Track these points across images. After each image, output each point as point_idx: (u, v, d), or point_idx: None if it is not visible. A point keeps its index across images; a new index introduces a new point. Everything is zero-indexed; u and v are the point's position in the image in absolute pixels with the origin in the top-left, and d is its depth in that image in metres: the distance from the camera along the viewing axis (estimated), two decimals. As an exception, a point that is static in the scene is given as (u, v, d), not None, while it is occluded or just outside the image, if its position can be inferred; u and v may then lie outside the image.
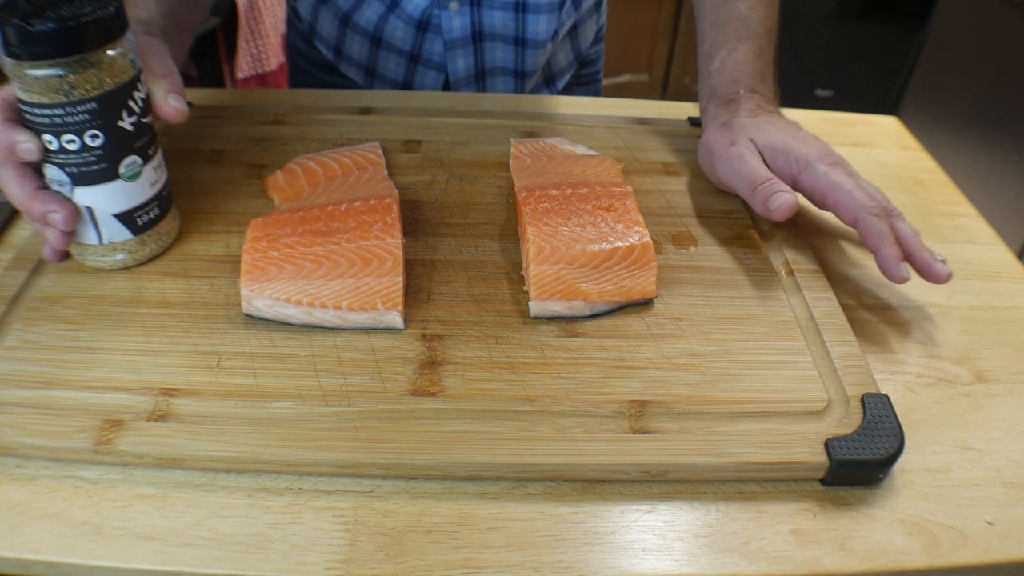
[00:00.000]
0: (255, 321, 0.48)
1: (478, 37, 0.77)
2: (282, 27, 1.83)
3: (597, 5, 0.85)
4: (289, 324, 0.48)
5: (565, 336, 0.48)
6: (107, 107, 0.46)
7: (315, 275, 0.48)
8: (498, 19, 0.77)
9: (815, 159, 0.54)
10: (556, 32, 0.80)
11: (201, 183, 0.60)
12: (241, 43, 1.69)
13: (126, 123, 0.47)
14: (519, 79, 0.82)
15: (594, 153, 0.63)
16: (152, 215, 0.51)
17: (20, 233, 0.55)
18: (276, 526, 0.38)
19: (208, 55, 1.65)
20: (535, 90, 0.86)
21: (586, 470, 0.41)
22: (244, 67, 1.72)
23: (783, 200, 0.52)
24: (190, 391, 0.43)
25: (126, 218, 0.50)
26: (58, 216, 0.47)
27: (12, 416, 0.41)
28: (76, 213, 0.47)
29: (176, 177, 0.61)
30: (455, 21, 0.76)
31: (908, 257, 0.51)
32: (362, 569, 0.37)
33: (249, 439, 0.41)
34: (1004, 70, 1.67)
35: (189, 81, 1.59)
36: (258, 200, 0.59)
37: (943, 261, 0.50)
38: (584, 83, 0.91)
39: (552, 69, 0.85)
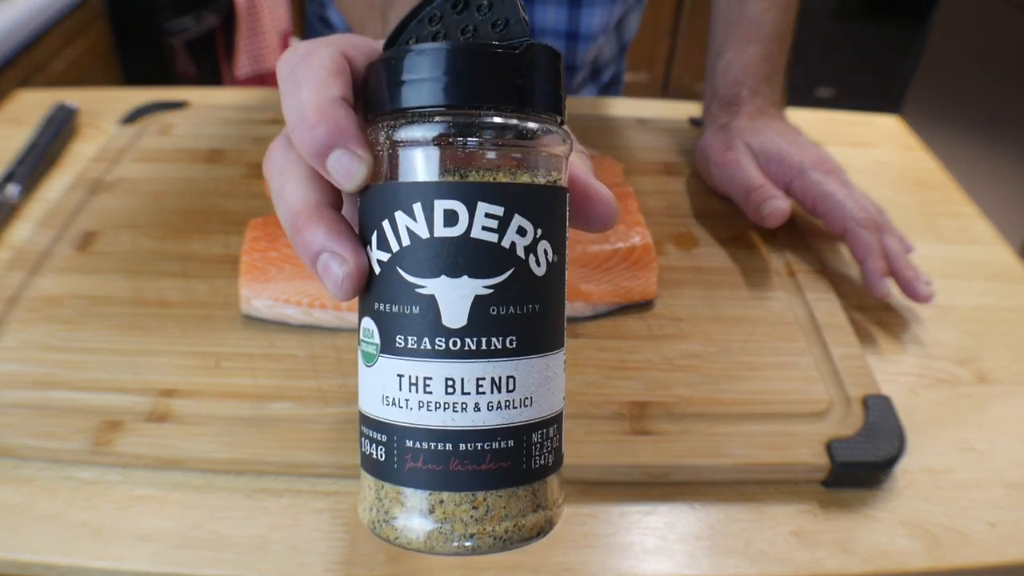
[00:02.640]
0: (254, 322, 0.48)
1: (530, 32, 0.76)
2: (282, 26, 1.82)
3: None
4: (288, 324, 0.47)
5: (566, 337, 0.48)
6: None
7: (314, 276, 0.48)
8: (551, 14, 0.75)
9: (809, 166, 0.54)
10: (607, 24, 0.79)
11: (201, 183, 0.60)
12: (241, 42, 1.68)
13: None
14: (568, 73, 0.81)
15: (594, 153, 0.63)
16: None
17: (19, 233, 0.55)
18: (275, 527, 0.38)
19: (208, 55, 1.64)
20: (583, 85, 0.85)
21: (586, 471, 0.41)
22: (244, 66, 1.71)
23: (774, 207, 0.52)
24: (189, 392, 0.43)
25: None
26: (338, 270, 0.26)
27: (10, 417, 0.41)
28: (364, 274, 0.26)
29: (175, 177, 0.61)
30: None
31: (893, 274, 0.51)
32: (361, 570, 0.37)
33: (248, 440, 0.40)
34: (1005, 69, 1.67)
35: (188, 80, 1.59)
36: (258, 200, 0.58)
37: (928, 283, 0.50)
38: (615, 83, 0.91)
39: (599, 62, 0.85)
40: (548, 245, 0.25)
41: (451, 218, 0.24)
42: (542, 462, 0.26)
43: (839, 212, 0.52)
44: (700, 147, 0.62)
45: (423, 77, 0.24)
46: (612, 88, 0.89)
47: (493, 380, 0.24)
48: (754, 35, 0.62)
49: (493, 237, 0.24)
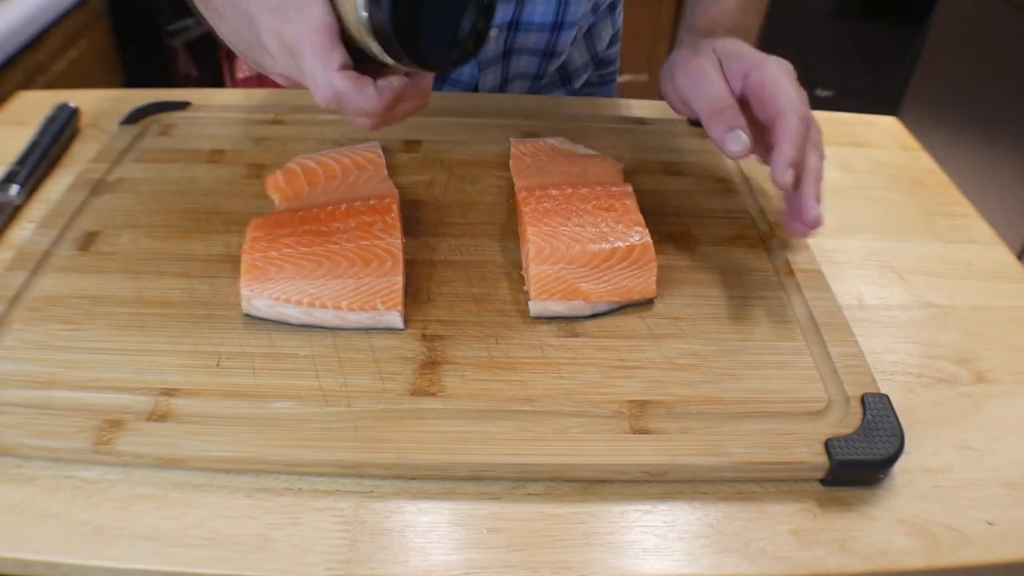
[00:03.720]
0: (255, 321, 0.48)
1: (508, 53, 0.78)
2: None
3: (612, 7, 0.85)
4: (289, 324, 0.48)
5: (565, 336, 0.48)
6: None
7: (315, 275, 0.48)
8: (532, 39, 0.77)
9: (773, 64, 0.51)
10: (586, 11, 0.80)
11: (201, 183, 0.60)
12: (241, 43, 1.68)
13: None
14: (537, 80, 0.83)
15: (594, 153, 0.63)
16: None
17: (20, 233, 0.55)
18: (276, 526, 0.38)
19: (208, 55, 1.65)
20: (550, 87, 0.86)
21: (586, 470, 0.41)
22: (244, 67, 1.71)
23: (743, 143, 0.48)
24: (190, 391, 0.43)
25: None
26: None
27: (12, 416, 0.41)
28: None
29: (176, 177, 0.61)
30: (490, 45, 0.76)
31: (797, 181, 0.48)
32: (362, 569, 0.37)
33: (249, 439, 0.40)
34: (1004, 70, 1.67)
35: (189, 81, 1.59)
36: (258, 200, 0.59)
37: (819, 213, 0.48)
38: (601, 83, 0.92)
39: (568, 69, 0.86)
40: None
41: None
42: None
43: (782, 96, 0.49)
44: (667, 63, 0.58)
45: None
46: (594, 92, 0.90)
47: None
48: None
49: None
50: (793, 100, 0.49)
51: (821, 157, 0.51)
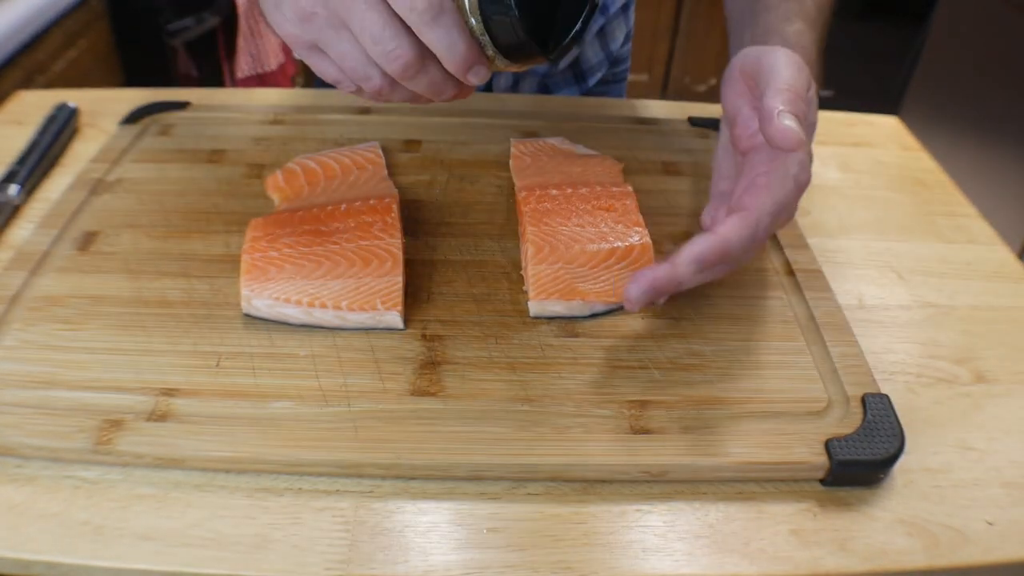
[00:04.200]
0: (255, 321, 0.48)
1: None
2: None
3: (625, 7, 0.86)
4: (288, 324, 0.48)
5: (565, 336, 0.48)
6: None
7: (315, 275, 0.48)
8: None
9: (803, 162, 0.46)
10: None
11: (201, 183, 0.60)
12: (241, 43, 1.69)
13: None
14: (545, 77, 0.84)
15: (594, 153, 0.63)
16: None
17: (20, 233, 0.55)
18: (276, 526, 0.38)
19: (208, 55, 1.65)
20: (564, 84, 0.87)
21: (586, 470, 0.41)
22: (244, 67, 1.72)
23: (796, 134, 0.43)
24: (190, 391, 0.43)
25: None
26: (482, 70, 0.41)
27: (12, 416, 0.41)
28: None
29: (176, 177, 0.61)
30: None
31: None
32: (362, 569, 0.37)
33: (249, 439, 0.40)
34: (1004, 70, 1.67)
35: (189, 81, 1.59)
36: (258, 200, 0.59)
37: (639, 306, 0.44)
38: (614, 80, 0.92)
39: (582, 67, 0.87)
40: None
41: None
42: None
43: (766, 201, 0.45)
44: (753, 47, 0.50)
45: None
46: (607, 90, 0.91)
47: None
48: (799, 11, 0.53)
49: None
50: (767, 213, 0.45)
51: (713, 276, 0.47)
